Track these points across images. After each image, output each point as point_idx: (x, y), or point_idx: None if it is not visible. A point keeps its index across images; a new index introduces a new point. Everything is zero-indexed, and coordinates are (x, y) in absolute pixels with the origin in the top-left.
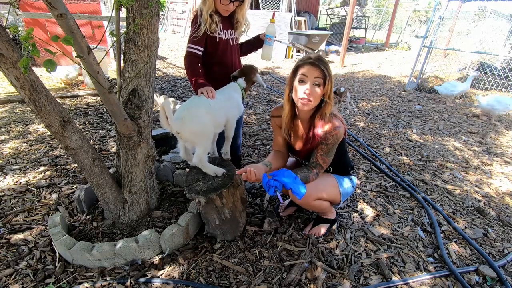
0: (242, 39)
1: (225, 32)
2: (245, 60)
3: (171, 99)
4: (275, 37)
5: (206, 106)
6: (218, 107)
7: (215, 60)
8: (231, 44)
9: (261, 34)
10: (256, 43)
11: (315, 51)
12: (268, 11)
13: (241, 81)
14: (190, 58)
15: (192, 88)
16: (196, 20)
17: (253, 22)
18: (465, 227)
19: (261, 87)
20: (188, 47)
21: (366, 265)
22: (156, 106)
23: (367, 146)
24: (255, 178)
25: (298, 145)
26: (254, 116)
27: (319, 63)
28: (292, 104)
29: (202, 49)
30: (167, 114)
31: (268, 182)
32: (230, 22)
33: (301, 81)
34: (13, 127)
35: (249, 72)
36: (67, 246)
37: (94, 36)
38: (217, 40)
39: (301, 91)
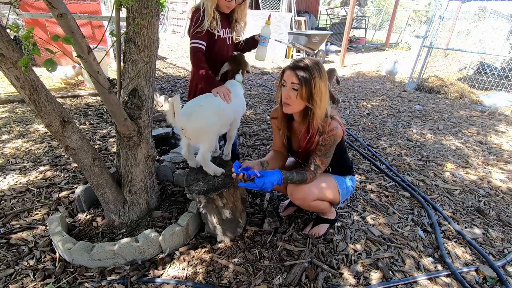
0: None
1: (223, 31)
2: None
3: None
4: (270, 38)
5: (216, 107)
6: (227, 108)
7: (211, 57)
8: (228, 43)
9: (256, 35)
10: (251, 43)
11: (315, 51)
12: (268, 11)
13: (239, 77)
14: (197, 54)
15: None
16: (197, 17)
17: (253, 22)
18: (465, 227)
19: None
20: (192, 42)
21: (366, 265)
22: (156, 106)
23: (367, 146)
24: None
25: (296, 147)
26: (254, 116)
27: (296, 69)
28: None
29: (205, 43)
30: (175, 110)
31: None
32: (228, 21)
33: (283, 85)
34: (14, 127)
35: (243, 63)
36: (67, 246)
37: (94, 36)
38: (215, 37)
39: (282, 95)
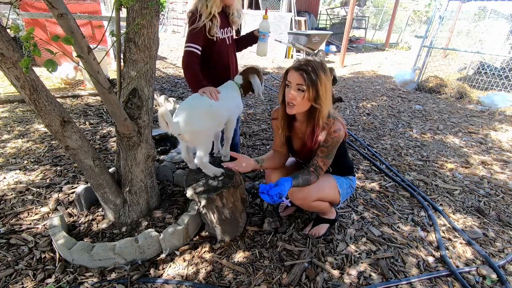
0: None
1: (222, 31)
2: (243, 58)
3: (172, 98)
4: (269, 32)
5: (206, 107)
6: (218, 106)
7: (211, 61)
8: (227, 42)
9: (255, 30)
10: (251, 38)
11: (315, 51)
12: (268, 11)
13: (238, 78)
14: (189, 58)
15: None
16: (192, 20)
17: (253, 22)
18: (465, 227)
19: (258, 96)
20: (186, 46)
21: (366, 265)
22: (156, 106)
23: (367, 146)
24: (242, 169)
25: (297, 147)
26: (254, 116)
27: (301, 70)
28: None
29: (200, 48)
30: (167, 120)
31: (269, 192)
32: (226, 18)
33: (287, 86)
34: (14, 127)
35: (246, 71)
36: (67, 246)
37: (94, 36)
38: (214, 40)
39: (287, 96)
